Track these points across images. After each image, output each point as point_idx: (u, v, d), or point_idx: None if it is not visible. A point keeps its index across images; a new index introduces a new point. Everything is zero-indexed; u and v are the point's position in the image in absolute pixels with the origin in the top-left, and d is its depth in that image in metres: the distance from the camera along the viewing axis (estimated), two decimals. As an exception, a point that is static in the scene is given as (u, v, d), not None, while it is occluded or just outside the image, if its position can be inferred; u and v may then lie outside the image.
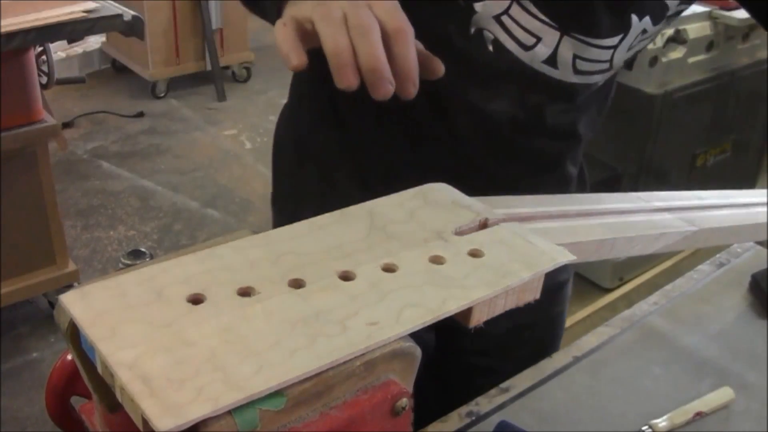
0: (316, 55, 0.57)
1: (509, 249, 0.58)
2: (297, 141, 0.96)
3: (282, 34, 0.56)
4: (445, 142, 0.84)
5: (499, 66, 0.77)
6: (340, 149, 0.90)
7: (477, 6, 0.73)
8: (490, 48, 0.76)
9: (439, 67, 0.60)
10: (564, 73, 0.78)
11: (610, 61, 0.78)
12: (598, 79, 0.80)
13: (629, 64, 0.82)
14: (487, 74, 0.78)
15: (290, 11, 0.58)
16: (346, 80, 0.54)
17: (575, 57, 0.76)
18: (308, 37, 0.56)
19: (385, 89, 0.54)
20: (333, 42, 0.54)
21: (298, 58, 0.55)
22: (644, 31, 0.77)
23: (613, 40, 0.76)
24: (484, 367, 1.00)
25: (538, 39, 0.75)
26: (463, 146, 0.84)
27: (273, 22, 0.62)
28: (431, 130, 0.83)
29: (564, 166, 0.93)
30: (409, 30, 0.56)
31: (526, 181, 0.88)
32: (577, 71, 0.78)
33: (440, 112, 0.82)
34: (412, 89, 0.56)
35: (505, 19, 0.74)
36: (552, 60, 0.76)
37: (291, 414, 0.44)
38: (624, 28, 0.76)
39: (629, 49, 0.78)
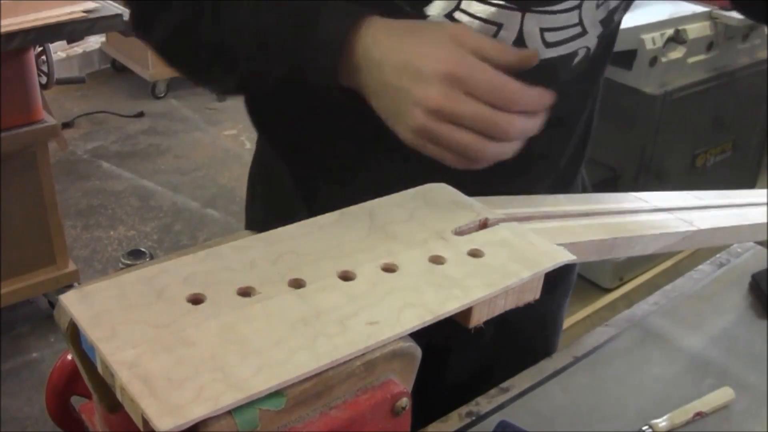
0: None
1: (509, 249, 0.58)
2: (273, 158, 0.93)
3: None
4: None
5: None
6: (324, 164, 0.86)
7: (427, 9, 0.70)
8: None
9: (534, 55, 0.67)
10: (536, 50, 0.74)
11: (580, 23, 0.75)
12: (575, 46, 0.77)
13: (609, 25, 0.77)
14: None
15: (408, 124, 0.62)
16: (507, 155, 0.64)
17: (542, 30, 0.73)
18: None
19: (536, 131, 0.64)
20: (490, 154, 0.62)
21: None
22: None
23: (573, 1, 0.72)
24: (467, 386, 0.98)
25: (499, 26, 0.72)
26: None
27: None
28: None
29: (554, 162, 0.89)
30: (511, 86, 0.62)
31: (517, 177, 0.86)
32: (548, 44, 0.74)
33: None
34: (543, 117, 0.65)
35: (458, 15, 0.71)
36: (520, 41, 0.73)
37: (291, 414, 0.44)
38: None
39: (598, 6, 0.75)
